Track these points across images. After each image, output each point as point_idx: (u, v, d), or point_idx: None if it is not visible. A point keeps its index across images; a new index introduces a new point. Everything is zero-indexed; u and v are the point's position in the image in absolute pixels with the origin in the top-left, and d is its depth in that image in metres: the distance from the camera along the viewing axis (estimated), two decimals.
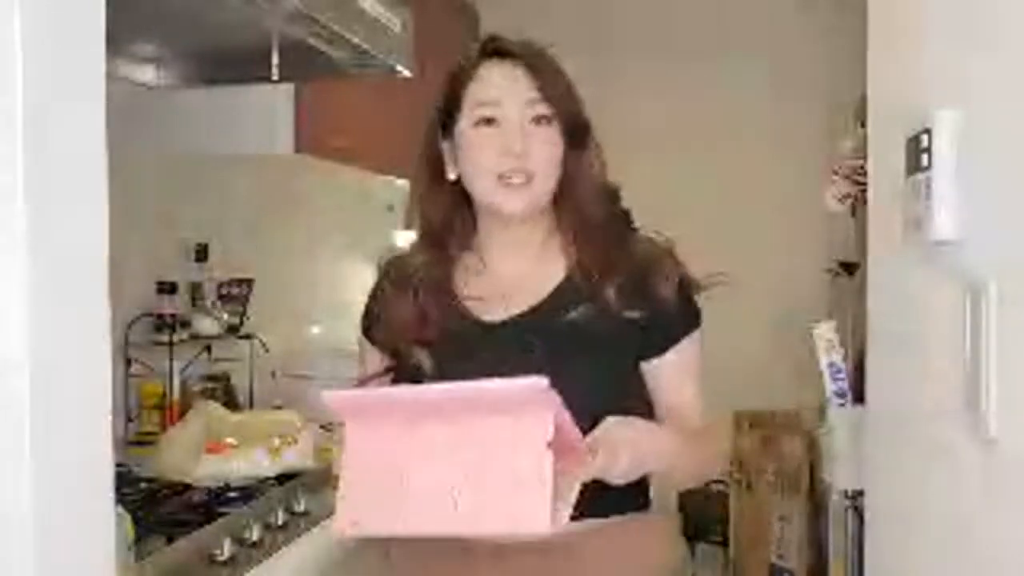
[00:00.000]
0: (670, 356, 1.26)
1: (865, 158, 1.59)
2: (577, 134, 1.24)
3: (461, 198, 1.28)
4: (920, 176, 1.09)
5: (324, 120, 2.49)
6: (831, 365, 2.05)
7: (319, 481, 1.84)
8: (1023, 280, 0.91)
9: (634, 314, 1.21)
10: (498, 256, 1.29)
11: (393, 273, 1.32)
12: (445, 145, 1.27)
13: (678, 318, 1.26)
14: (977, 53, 1.02)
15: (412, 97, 2.83)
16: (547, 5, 3.41)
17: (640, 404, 1.25)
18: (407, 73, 2.16)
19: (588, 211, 1.25)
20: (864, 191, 1.71)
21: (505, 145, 1.20)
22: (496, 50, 1.24)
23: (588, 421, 1.07)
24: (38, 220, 0.83)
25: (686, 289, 1.26)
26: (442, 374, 1.19)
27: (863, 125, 1.68)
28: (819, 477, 2.68)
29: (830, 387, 2.05)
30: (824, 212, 2.20)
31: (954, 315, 1.03)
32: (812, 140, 3.26)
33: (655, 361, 1.26)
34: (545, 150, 1.21)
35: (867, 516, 1.51)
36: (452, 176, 1.26)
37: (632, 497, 1.24)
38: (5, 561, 0.82)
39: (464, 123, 1.23)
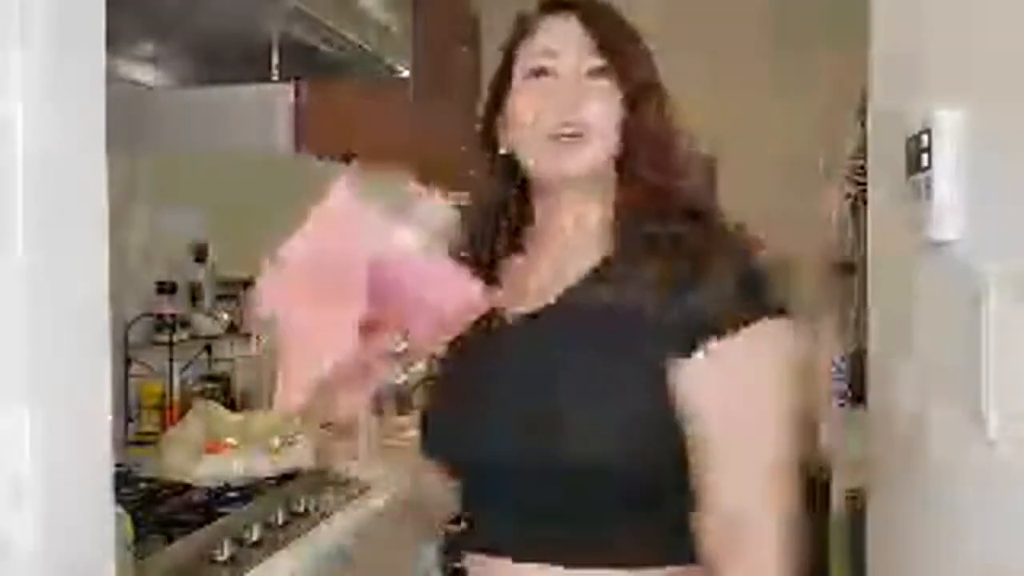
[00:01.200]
0: (692, 363, 0.94)
1: (865, 158, 1.59)
2: (638, 94, 1.05)
3: (514, 180, 1.11)
4: (920, 176, 1.09)
5: (324, 120, 2.49)
6: (831, 365, 2.06)
7: (319, 481, 1.85)
8: (1023, 280, 0.91)
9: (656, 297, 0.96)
10: (552, 241, 1.10)
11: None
12: (499, 119, 1.10)
13: (718, 300, 0.94)
14: (977, 53, 1.03)
15: (412, 97, 2.84)
16: None
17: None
18: (407, 73, 2.16)
19: (647, 183, 1.04)
20: (864, 191, 1.72)
21: (557, 97, 1.04)
22: (556, 4, 1.09)
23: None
24: (37, 220, 0.83)
25: (745, 275, 0.97)
26: (441, 385, 1.14)
27: (863, 125, 1.68)
28: (819, 477, 2.68)
29: (830, 387, 2.05)
30: (824, 212, 2.20)
31: (954, 315, 1.03)
32: (812, 140, 3.26)
33: (674, 369, 0.95)
34: (601, 103, 1.04)
35: (867, 516, 1.51)
36: (504, 149, 1.09)
37: (671, 544, 0.99)
38: (5, 561, 0.82)
39: (516, 78, 1.08)
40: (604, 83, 1.05)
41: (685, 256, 0.98)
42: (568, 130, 1.03)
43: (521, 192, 1.12)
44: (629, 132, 1.04)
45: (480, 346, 1.07)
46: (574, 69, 1.05)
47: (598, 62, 1.05)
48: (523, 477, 0.98)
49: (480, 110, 1.14)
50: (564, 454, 0.96)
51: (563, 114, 1.03)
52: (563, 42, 1.06)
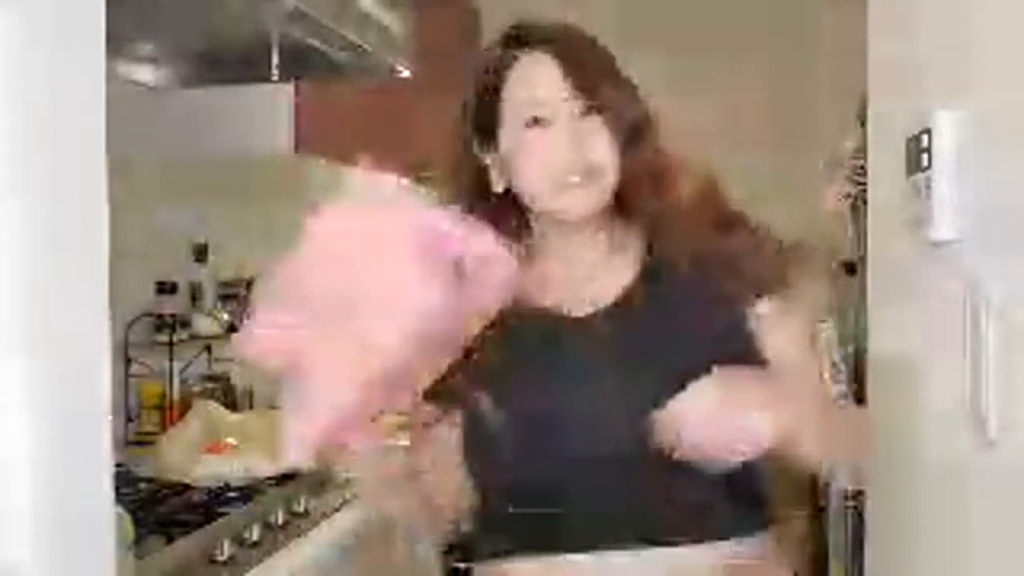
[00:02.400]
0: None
1: (865, 158, 1.59)
2: (629, 128, 1.10)
3: (510, 211, 1.14)
4: (920, 176, 1.09)
5: (324, 120, 2.49)
6: (831, 365, 2.05)
7: (319, 481, 1.84)
8: (1023, 280, 0.91)
9: None
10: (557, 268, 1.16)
11: None
12: (488, 155, 1.14)
13: None
14: (976, 53, 1.02)
15: (412, 97, 2.84)
16: (547, 2, 3.41)
17: None
18: (407, 73, 2.16)
19: (652, 204, 1.12)
20: (864, 191, 1.71)
21: (558, 147, 1.08)
22: (525, 40, 1.11)
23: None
24: (38, 220, 0.83)
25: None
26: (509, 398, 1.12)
27: (864, 125, 1.68)
28: (819, 477, 2.68)
29: (830, 387, 2.05)
30: (825, 212, 2.20)
31: (954, 315, 1.03)
32: (812, 140, 3.26)
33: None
34: (598, 145, 1.08)
35: (867, 516, 1.51)
36: (500, 188, 1.13)
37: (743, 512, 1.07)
38: (5, 561, 0.82)
39: (510, 127, 1.11)
40: (596, 122, 1.08)
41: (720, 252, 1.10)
42: (575, 178, 1.07)
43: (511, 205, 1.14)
44: (627, 165, 1.09)
45: (549, 348, 1.11)
46: (567, 115, 1.08)
47: (586, 103, 1.08)
48: (626, 465, 1.02)
49: (462, 134, 1.15)
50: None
51: (567, 163, 1.07)
52: (548, 88, 1.08)
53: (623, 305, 1.12)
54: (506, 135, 1.11)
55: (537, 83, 1.09)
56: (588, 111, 1.08)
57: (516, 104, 1.10)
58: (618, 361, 1.08)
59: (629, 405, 1.02)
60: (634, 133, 1.10)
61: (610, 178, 1.09)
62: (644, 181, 1.11)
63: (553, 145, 1.08)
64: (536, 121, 1.09)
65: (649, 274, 1.13)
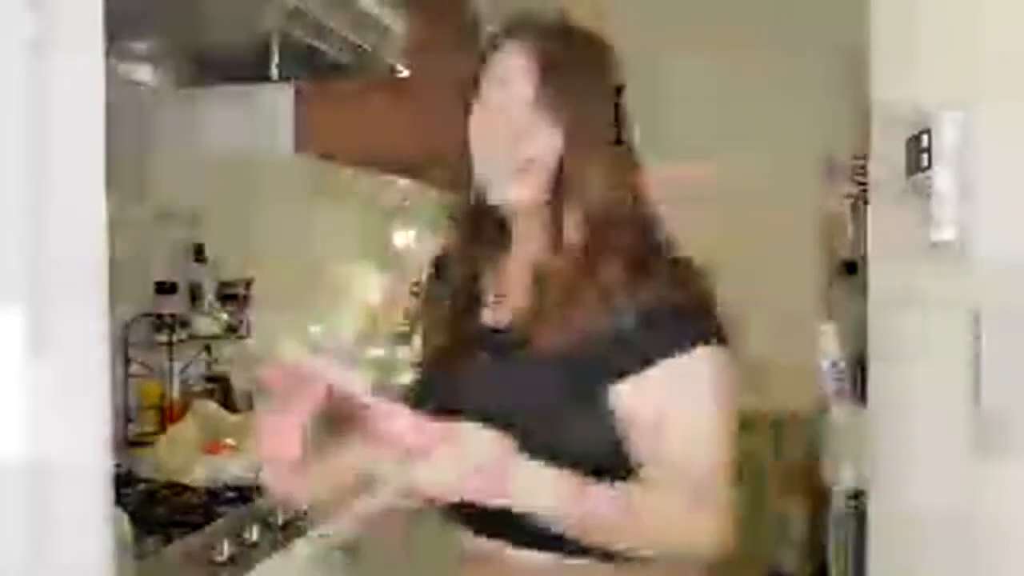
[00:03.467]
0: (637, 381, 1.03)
1: (866, 158, 1.59)
2: (573, 131, 1.06)
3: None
4: (920, 176, 1.09)
5: (324, 120, 2.49)
6: (832, 365, 2.06)
7: None
8: (1023, 280, 0.91)
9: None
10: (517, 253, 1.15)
11: (433, 270, 1.22)
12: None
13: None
14: (977, 53, 1.02)
15: (412, 97, 2.84)
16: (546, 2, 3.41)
17: None
18: (407, 73, 2.16)
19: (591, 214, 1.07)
20: (865, 191, 1.72)
21: (505, 128, 1.06)
22: (513, 29, 1.11)
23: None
24: (37, 220, 0.83)
25: (688, 302, 1.06)
26: (420, 393, 1.14)
27: (864, 125, 1.68)
28: (819, 477, 2.68)
29: (830, 387, 2.05)
30: (825, 212, 2.21)
31: (954, 315, 1.03)
32: (812, 140, 3.26)
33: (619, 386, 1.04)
34: (543, 138, 1.05)
35: (867, 516, 1.51)
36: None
37: None
38: (4, 562, 0.82)
39: (475, 104, 1.11)
40: (547, 116, 1.06)
41: (626, 284, 1.03)
42: (513, 163, 1.06)
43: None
44: (565, 168, 1.06)
45: (460, 354, 1.12)
46: (521, 100, 1.06)
47: (538, 94, 1.06)
48: None
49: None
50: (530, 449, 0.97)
51: (509, 146, 1.06)
52: (512, 72, 1.08)
53: (510, 329, 1.08)
54: (471, 115, 1.11)
55: (505, 65, 1.09)
56: (541, 105, 1.05)
57: (483, 83, 1.10)
58: (491, 377, 1.07)
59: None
60: (578, 144, 1.06)
61: (545, 177, 1.06)
62: (592, 186, 1.06)
63: (499, 124, 1.06)
64: (491, 99, 1.08)
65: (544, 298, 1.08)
